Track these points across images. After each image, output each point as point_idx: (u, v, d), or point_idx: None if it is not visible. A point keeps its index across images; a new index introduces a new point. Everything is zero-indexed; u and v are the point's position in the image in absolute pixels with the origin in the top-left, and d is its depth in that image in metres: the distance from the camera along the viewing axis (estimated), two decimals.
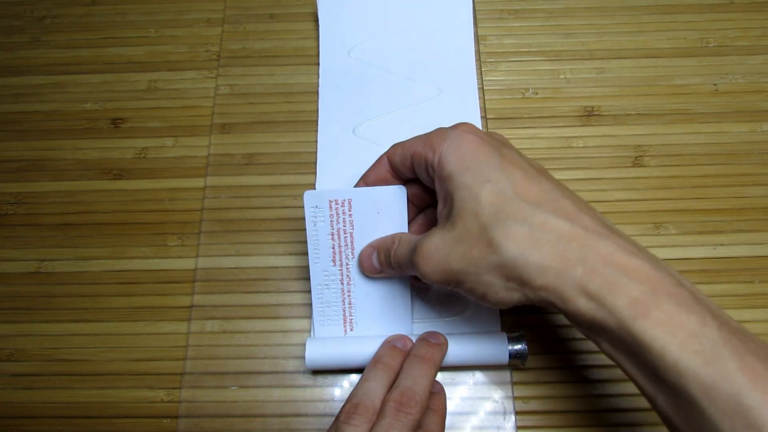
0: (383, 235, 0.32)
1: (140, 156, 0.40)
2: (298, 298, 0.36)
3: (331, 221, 0.32)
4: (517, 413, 0.33)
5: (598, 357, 0.34)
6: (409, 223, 0.32)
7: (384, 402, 0.27)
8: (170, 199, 0.39)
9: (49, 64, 0.44)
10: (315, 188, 0.39)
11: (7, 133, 0.42)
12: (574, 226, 0.24)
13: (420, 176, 0.30)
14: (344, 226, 0.32)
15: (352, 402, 0.27)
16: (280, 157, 0.40)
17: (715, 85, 0.42)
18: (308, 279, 0.36)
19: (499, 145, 0.27)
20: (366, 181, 0.32)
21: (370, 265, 0.32)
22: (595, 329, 0.23)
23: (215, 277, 0.37)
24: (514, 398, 0.33)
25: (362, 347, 0.33)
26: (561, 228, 0.24)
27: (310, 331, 0.35)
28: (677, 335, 0.21)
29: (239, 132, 0.41)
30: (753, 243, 0.37)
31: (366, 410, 0.27)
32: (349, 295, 0.34)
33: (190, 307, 0.36)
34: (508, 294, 0.25)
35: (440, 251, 0.27)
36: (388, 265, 0.31)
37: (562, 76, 0.42)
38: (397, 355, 0.31)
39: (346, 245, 0.32)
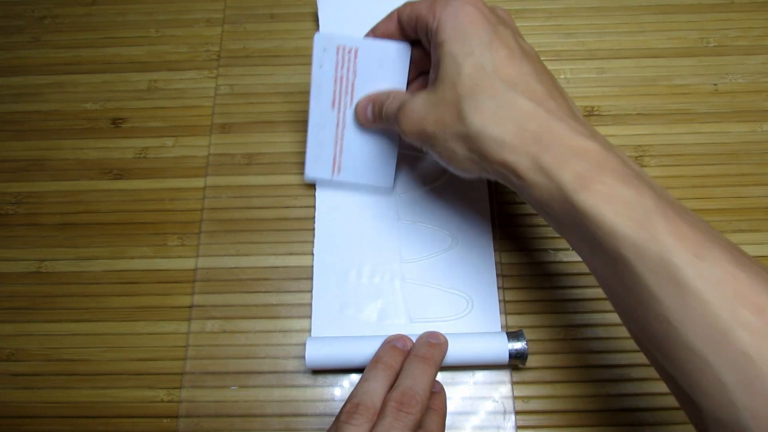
0: (382, 89, 0.33)
1: (140, 156, 0.40)
2: (298, 298, 0.36)
3: (336, 66, 0.33)
4: (517, 413, 0.33)
5: (597, 357, 0.34)
6: (409, 83, 0.33)
7: (384, 402, 0.27)
8: (170, 199, 0.39)
9: (49, 64, 0.44)
10: (315, 188, 0.39)
11: (7, 133, 0.42)
12: (538, 109, 0.25)
13: (422, 39, 0.31)
14: (347, 73, 0.33)
15: (352, 402, 0.27)
16: (280, 157, 0.40)
17: (715, 85, 0.42)
18: (309, 279, 0.36)
19: (496, 21, 0.28)
20: (375, 32, 0.33)
21: (364, 115, 0.34)
22: (545, 204, 0.25)
23: (215, 277, 0.37)
24: (514, 398, 0.33)
25: (362, 347, 0.33)
26: (525, 108, 0.25)
27: (310, 330, 0.35)
28: (615, 204, 0.22)
29: (239, 132, 0.41)
30: (753, 243, 0.37)
31: (366, 410, 0.27)
32: (341, 140, 0.35)
33: (190, 307, 0.36)
34: (470, 164, 0.27)
35: (419, 112, 0.28)
36: (379, 117, 0.33)
37: (562, 76, 0.42)
38: (398, 355, 0.31)
39: (347, 92, 0.34)
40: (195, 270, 0.37)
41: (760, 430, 0.19)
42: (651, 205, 0.22)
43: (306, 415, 0.34)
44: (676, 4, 0.44)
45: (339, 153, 0.36)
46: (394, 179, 0.37)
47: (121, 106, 0.42)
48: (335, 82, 0.33)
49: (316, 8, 0.44)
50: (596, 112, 0.41)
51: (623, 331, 0.35)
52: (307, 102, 0.42)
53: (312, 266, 0.37)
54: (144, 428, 0.33)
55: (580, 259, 0.36)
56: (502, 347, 0.33)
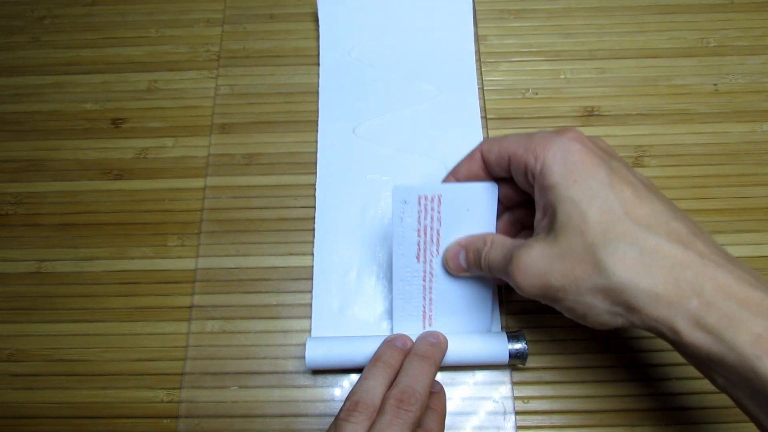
0: (470, 233, 0.31)
1: (140, 156, 0.40)
2: (298, 298, 0.36)
3: (419, 217, 0.31)
4: (517, 413, 0.33)
5: (597, 357, 0.34)
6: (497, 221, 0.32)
7: (384, 400, 0.27)
8: (170, 199, 0.39)
9: (49, 64, 0.44)
10: (315, 188, 0.39)
11: (7, 133, 0.42)
12: (688, 252, 0.23)
13: (516, 179, 0.29)
14: (431, 222, 0.31)
15: (352, 400, 0.28)
16: (280, 157, 0.40)
17: (715, 85, 0.42)
18: (309, 279, 0.36)
19: (607, 157, 0.26)
20: (456, 175, 0.31)
21: (456, 264, 0.31)
22: (712, 364, 0.22)
23: (215, 277, 0.37)
24: (514, 398, 0.33)
25: (362, 347, 0.33)
26: (674, 254, 0.23)
27: (310, 330, 0.35)
28: None
29: (239, 132, 0.41)
30: (753, 243, 0.37)
31: (366, 408, 0.27)
32: (430, 292, 0.33)
33: (190, 307, 0.36)
34: (611, 318, 0.24)
35: (539, 265, 0.25)
36: (476, 265, 0.30)
37: (563, 76, 0.42)
38: (397, 354, 0.31)
39: (432, 241, 0.31)
40: (195, 270, 0.37)
41: None
42: None
43: (306, 415, 0.34)
44: (676, 4, 0.44)
45: (429, 305, 0.33)
46: (491, 322, 0.34)
47: (121, 107, 0.42)
48: (419, 233, 0.31)
49: (316, 8, 0.44)
50: (596, 112, 0.41)
51: (623, 331, 0.35)
52: (307, 102, 0.42)
53: (312, 266, 0.37)
54: (144, 428, 0.33)
55: None
56: (502, 347, 0.33)
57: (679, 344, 0.23)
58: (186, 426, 0.33)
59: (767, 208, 0.38)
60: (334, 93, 0.42)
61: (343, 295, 0.36)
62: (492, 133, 0.40)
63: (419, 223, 0.31)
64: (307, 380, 0.34)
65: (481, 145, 0.30)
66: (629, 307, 0.23)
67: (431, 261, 0.32)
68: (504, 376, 0.34)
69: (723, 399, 0.33)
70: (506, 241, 0.29)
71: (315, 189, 0.39)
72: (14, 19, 0.45)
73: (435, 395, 0.31)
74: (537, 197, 0.27)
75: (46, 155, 0.41)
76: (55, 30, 0.45)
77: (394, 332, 0.34)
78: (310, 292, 0.36)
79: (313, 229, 0.38)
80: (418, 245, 0.31)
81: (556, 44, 0.43)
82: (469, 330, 0.34)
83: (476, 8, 0.45)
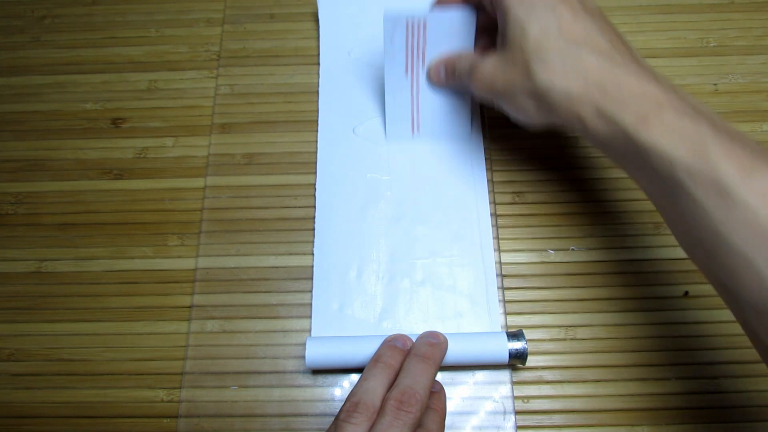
0: (451, 51, 0.36)
1: (140, 156, 0.40)
2: (298, 298, 0.36)
3: (407, 37, 0.35)
4: (517, 413, 0.33)
5: (597, 357, 0.34)
6: (475, 43, 0.36)
7: (384, 400, 0.27)
8: (170, 199, 0.39)
9: (49, 64, 0.44)
10: (315, 188, 0.39)
11: (7, 133, 0.42)
12: (603, 60, 0.27)
13: (485, 4, 0.33)
14: (418, 42, 0.35)
15: (352, 400, 0.28)
16: (280, 157, 0.40)
17: (715, 85, 0.42)
18: (309, 279, 0.36)
19: None
20: (440, 0, 0.35)
21: (437, 75, 0.37)
22: (607, 145, 0.28)
23: (215, 277, 0.37)
24: (514, 398, 0.33)
25: (362, 347, 0.33)
26: (590, 62, 0.27)
27: (309, 330, 0.35)
28: (672, 136, 0.25)
29: (239, 132, 0.41)
30: None
31: (366, 408, 0.27)
32: (417, 102, 0.38)
33: (190, 307, 0.36)
34: (539, 116, 0.30)
35: (490, 73, 0.31)
36: (452, 76, 0.36)
37: None
38: (397, 354, 0.31)
39: (418, 59, 0.36)
40: (195, 270, 0.37)
41: None
42: (706, 133, 0.24)
43: (306, 415, 0.34)
44: (676, 4, 0.44)
45: (416, 114, 0.38)
46: (470, 129, 0.40)
47: (121, 106, 0.42)
48: (407, 52, 0.36)
49: (316, 8, 0.44)
50: None
51: (623, 331, 0.35)
52: (307, 102, 0.42)
53: (312, 266, 0.37)
54: (144, 428, 0.33)
55: (580, 259, 0.36)
56: (502, 347, 0.33)
57: (586, 133, 0.28)
58: (186, 426, 0.33)
59: None
60: (334, 93, 0.42)
61: (343, 295, 0.36)
62: (493, 133, 0.40)
63: (407, 42, 0.35)
64: (307, 380, 0.34)
65: None
66: (550, 107, 0.29)
67: (418, 75, 0.37)
68: (504, 375, 0.34)
69: (723, 399, 0.33)
70: (473, 56, 0.34)
71: (315, 189, 0.39)
72: (14, 19, 0.45)
73: (435, 395, 0.31)
74: (498, 20, 0.31)
75: (46, 155, 0.41)
76: (55, 30, 0.45)
77: (387, 137, 0.40)
78: (310, 292, 0.36)
79: (313, 229, 0.38)
80: (406, 61, 0.36)
81: None
82: (450, 135, 0.39)
83: None
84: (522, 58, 0.29)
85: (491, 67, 0.32)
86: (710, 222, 0.23)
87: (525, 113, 0.31)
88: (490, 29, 0.35)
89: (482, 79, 0.32)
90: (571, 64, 0.28)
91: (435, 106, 0.38)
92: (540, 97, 0.29)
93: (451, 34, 0.35)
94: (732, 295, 0.24)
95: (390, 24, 0.34)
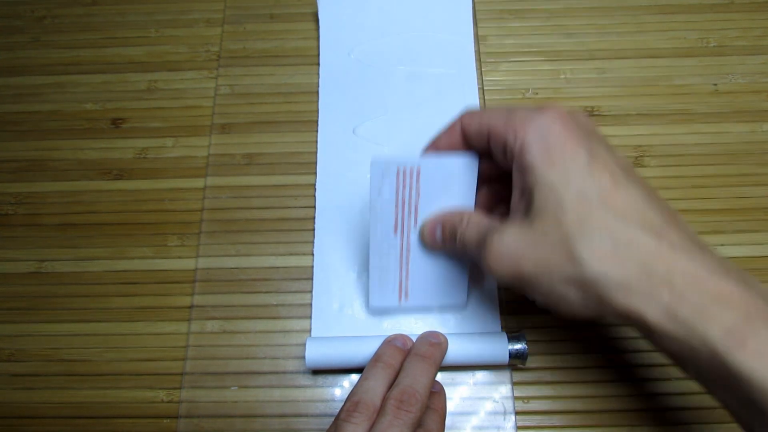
0: (449, 206, 0.31)
1: (140, 156, 0.40)
2: (298, 298, 0.36)
3: (398, 189, 0.30)
4: (517, 413, 0.33)
5: (597, 357, 0.34)
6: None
7: (384, 400, 0.27)
8: (170, 199, 0.39)
9: (49, 64, 0.44)
10: (315, 188, 0.39)
11: (7, 133, 0.42)
12: (661, 243, 0.23)
13: (495, 154, 0.28)
14: (410, 194, 0.30)
15: (352, 400, 0.28)
16: (280, 157, 0.40)
17: (715, 85, 0.42)
18: (309, 279, 0.36)
19: (587, 137, 0.25)
20: (437, 146, 0.30)
21: (432, 240, 0.31)
22: (685, 357, 0.22)
23: (215, 277, 0.37)
24: (514, 398, 0.33)
25: (362, 347, 0.33)
26: (647, 245, 0.23)
27: (310, 330, 0.35)
28: None
29: (239, 132, 0.41)
30: (754, 243, 0.37)
31: (366, 408, 0.27)
32: (407, 265, 0.33)
33: (190, 307, 0.36)
34: (584, 308, 0.24)
35: (513, 251, 0.25)
36: (452, 242, 0.30)
37: (563, 76, 0.42)
38: (398, 354, 0.31)
39: (409, 215, 0.31)
40: (195, 270, 0.37)
41: None
42: None
43: (306, 415, 0.34)
44: (676, 4, 0.44)
45: (405, 278, 0.33)
46: (467, 299, 0.35)
47: (121, 107, 0.42)
48: (396, 206, 0.31)
49: (317, 8, 0.44)
50: (596, 112, 0.41)
51: (623, 331, 0.35)
52: (307, 102, 0.42)
53: (312, 266, 0.37)
54: (144, 428, 0.33)
55: None
56: (502, 347, 0.33)
57: (652, 337, 0.23)
58: (186, 426, 0.33)
59: (767, 208, 0.38)
60: (334, 93, 0.42)
61: (343, 295, 0.36)
62: None
63: (397, 195, 0.30)
64: (307, 380, 0.34)
65: (461, 116, 0.29)
66: (601, 299, 0.23)
67: (408, 234, 0.32)
68: (504, 376, 0.34)
69: None
70: (482, 221, 0.28)
71: (315, 189, 0.39)
72: (14, 19, 0.45)
73: (435, 395, 0.31)
74: (515, 176, 0.26)
75: (46, 155, 0.41)
76: (55, 30, 0.45)
77: (370, 305, 0.34)
78: (310, 292, 0.36)
79: (313, 229, 0.38)
80: (396, 218, 0.31)
81: (556, 44, 0.43)
82: (443, 304, 0.34)
83: (476, 8, 0.45)
84: (560, 236, 0.23)
85: (515, 244, 0.25)
86: None
87: (566, 304, 0.25)
88: (496, 182, 0.31)
89: (502, 258, 0.25)
90: (624, 247, 0.23)
91: (427, 271, 0.33)
92: (588, 286, 0.23)
93: (449, 184, 0.30)
94: None
95: (378, 171, 0.29)
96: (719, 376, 0.21)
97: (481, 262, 0.26)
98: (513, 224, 0.26)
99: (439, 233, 0.30)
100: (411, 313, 0.35)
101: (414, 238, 0.32)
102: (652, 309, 0.22)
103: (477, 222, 0.28)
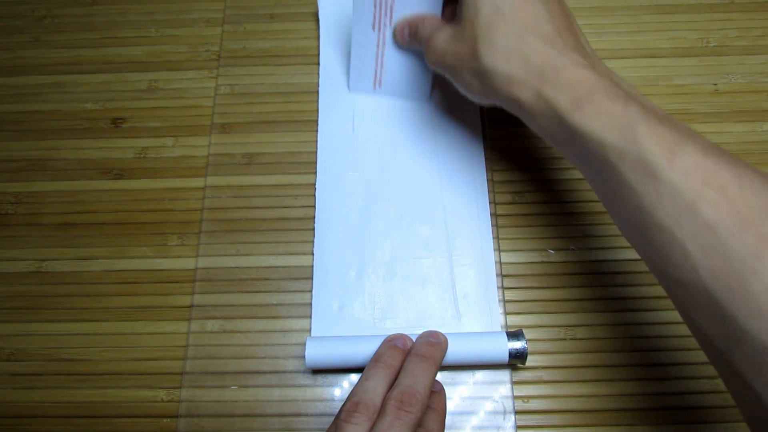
0: (419, 11, 0.36)
1: (140, 156, 0.40)
2: (297, 297, 0.36)
3: None
4: (517, 413, 0.33)
5: (597, 357, 0.34)
6: (444, 9, 0.36)
7: (385, 400, 0.27)
8: (170, 199, 0.39)
9: (49, 64, 0.44)
10: (315, 188, 0.39)
11: (7, 133, 0.42)
12: (545, 46, 0.28)
13: None
14: None
15: (352, 400, 0.28)
16: (280, 157, 0.40)
17: (715, 85, 0.42)
18: (309, 279, 0.36)
19: None
20: None
21: (401, 36, 0.37)
22: (545, 128, 0.28)
23: (215, 276, 0.37)
24: (514, 398, 0.33)
25: (362, 347, 0.33)
26: (534, 46, 0.28)
27: (309, 330, 0.35)
28: (603, 120, 0.25)
29: (239, 132, 0.41)
30: None
31: (367, 408, 0.27)
32: (382, 57, 0.39)
33: (190, 306, 0.36)
34: (483, 95, 0.31)
35: (442, 45, 0.32)
36: (414, 38, 0.36)
37: None
38: (398, 354, 0.31)
39: (386, 14, 0.37)
40: (195, 270, 0.37)
41: (716, 284, 0.22)
42: (635, 116, 0.25)
43: (306, 414, 0.34)
44: (676, 4, 0.44)
45: (380, 69, 0.39)
46: (431, 91, 0.40)
47: (121, 106, 0.42)
48: (375, 6, 0.36)
49: (317, 8, 0.44)
50: None
51: (623, 331, 0.35)
52: (307, 102, 0.42)
53: (312, 266, 0.37)
54: (144, 428, 0.33)
55: (580, 259, 0.36)
56: (501, 347, 0.33)
57: (526, 117, 0.29)
58: (186, 425, 0.33)
59: None
60: (334, 93, 0.42)
61: (343, 295, 0.36)
62: (493, 134, 0.40)
63: None
64: (307, 380, 0.34)
65: None
66: (492, 88, 0.29)
67: (384, 32, 0.37)
68: (504, 375, 0.34)
69: (723, 399, 0.33)
70: (434, 23, 0.34)
71: (315, 189, 0.39)
72: (14, 19, 0.45)
73: (435, 395, 0.31)
74: None
75: (46, 155, 0.41)
76: (55, 30, 0.45)
77: (350, 89, 0.41)
78: (310, 292, 0.36)
79: (313, 229, 0.38)
80: (374, 16, 0.37)
81: None
82: (409, 96, 0.40)
83: None
84: (471, 36, 0.30)
85: (443, 40, 0.32)
86: (639, 201, 0.24)
87: (470, 90, 0.31)
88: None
89: (434, 50, 0.33)
90: (515, 48, 0.28)
91: (399, 64, 0.39)
92: (483, 77, 0.29)
93: None
94: (661, 272, 0.25)
95: None
96: (566, 138, 0.27)
97: (424, 53, 0.34)
98: (448, 26, 0.32)
99: (406, 32, 0.37)
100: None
101: (389, 35, 0.38)
102: (525, 93, 0.28)
103: (430, 24, 0.35)
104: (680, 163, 0.23)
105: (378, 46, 0.38)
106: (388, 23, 0.37)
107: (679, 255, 0.23)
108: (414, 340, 0.32)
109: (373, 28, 0.37)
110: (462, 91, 0.32)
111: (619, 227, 0.28)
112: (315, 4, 0.45)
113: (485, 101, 0.31)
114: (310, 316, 0.35)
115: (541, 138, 0.40)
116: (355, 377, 0.34)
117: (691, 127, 0.25)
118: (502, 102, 0.30)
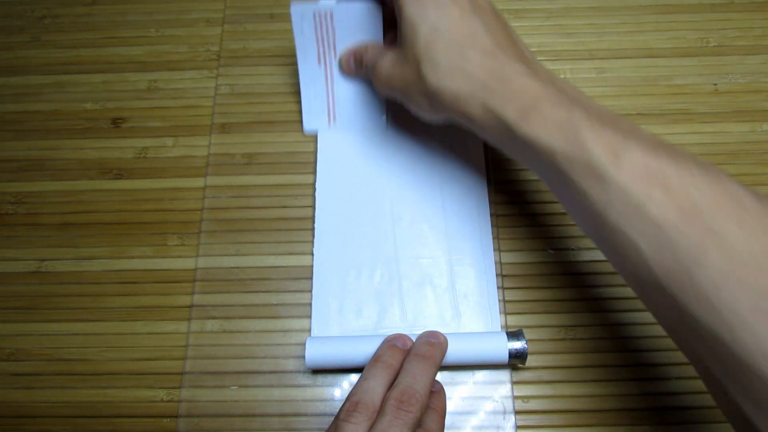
0: (361, 42, 0.37)
1: (140, 156, 0.40)
2: (297, 297, 0.36)
3: (316, 29, 0.36)
4: (517, 413, 0.33)
5: (597, 357, 0.34)
6: (386, 33, 0.36)
7: (384, 400, 0.27)
8: (170, 199, 0.39)
9: (49, 64, 0.44)
10: (315, 188, 0.39)
11: (7, 133, 0.42)
12: (487, 59, 0.28)
13: (386, 1, 0.34)
14: (327, 33, 0.36)
15: (352, 400, 0.28)
16: (280, 157, 0.40)
17: (715, 85, 0.42)
18: (309, 279, 0.36)
19: None
20: None
21: (347, 66, 0.37)
22: (497, 140, 0.29)
23: (215, 276, 0.37)
24: (514, 398, 0.33)
25: (362, 347, 0.33)
26: (475, 61, 0.28)
27: (309, 330, 0.35)
28: (549, 127, 0.26)
29: (239, 132, 0.41)
30: None
31: (366, 408, 0.27)
32: (332, 92, 0.39)
33: (190, 306, 0.36)
34: (434, 113, 0.31)
35: (388, 70, 0.32)
36: (360, 67, 0.36)
37: (562, 76, 0.42)
38: (397, 354, 0.31)
39: (330, 49, 0.37)
40: (195, 270, 0.37)
41: (670, 281, 0.22)
42: (579, 120, 0.25)
43: (306, 414, 0.34)
44: (676, 4, 0.44)
45: (332, 104, 0.39)
46: (386, 116, 0.40)
47: (121, 106, 0.42)
48: (317, 42, 0.37)
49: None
50: None
51: (623, 331, 0.35)
52: None
53: (312, 266, 0.37)
54: (144, 428, 0.33)
55: (580, 259, 0.36)
56: (501, 347, 0.33)
57: (477, 130, 0.29)
58: (186, 425, 0.33)
59: None
60: None
61: (343, 295, 0.36)
62: None
63: (317, 34, 0.36)
64: (307, 380, 0.34)
65: None
66: (441, 106, 0.30)
67: (331, 65, 0.38)
68: (504, 375, 0.34)
69: None
70: (377, 50, 0.35)
71: (315, 189, 0.39)
72: (14, 19, 0.45)
73: (435, 395, 0.31)
74: (396, 15, 0.32)
75: (46, 155, 0.41)
76: (55, 30, 0.45)
77: (305, 128, 0.40)
78: (310, 292, 0.36)
79: (313, 229, 0.38)
80: (318, 51, 0.37)
81: (556, 44, 0.43)
82: (366, 125, 0.40)
83: None
84: (414, 58, 0.30)
85: (389, 65, 0.32)
86: (591, 204, 0.25)
87: (422, 110, 0.32)
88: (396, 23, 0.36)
89: (380, 75, 0.33)
90: (457, 65, 0.28)
91: (350, 95, 0.39)
92: (432, 97, 0.30)
93: (358, 25, 0.36)
94: (622, 272, 0.25)
95: (298, 17, 0.36)
96: (518, 148, 0.28)
97: (372, 80, 0.34)
98: (391, 51, 0.33)
99: (352, 61, 0.37)
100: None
101: (336, 68, 0.38)
102: (473, 108, 0.28)
103: (373, 51, 0.35)
104: (625, 164, 0.24)
105: (326, 80, 0.38)
106: (333, 56, 0.37)
107: (634, 254, 0.24)
108: (414, 340, 0.32)
109: (319, 62, 0.38)
110: (414, 111, 0.33)
111: (582, 230, 0.28)
112: None
113: (438, 119, 0.32)
114: (310, 316, 0.35)
115: None
116: (355, 377, 0.34)
117: (636, 125, 0.26)
118: (454, 119, 0.30)
